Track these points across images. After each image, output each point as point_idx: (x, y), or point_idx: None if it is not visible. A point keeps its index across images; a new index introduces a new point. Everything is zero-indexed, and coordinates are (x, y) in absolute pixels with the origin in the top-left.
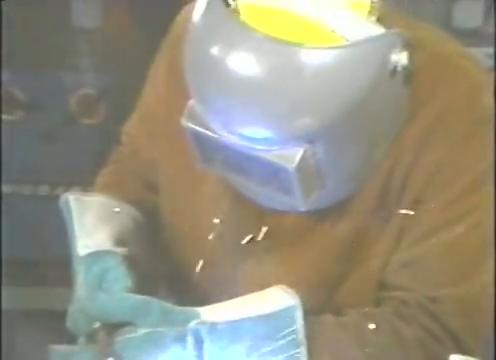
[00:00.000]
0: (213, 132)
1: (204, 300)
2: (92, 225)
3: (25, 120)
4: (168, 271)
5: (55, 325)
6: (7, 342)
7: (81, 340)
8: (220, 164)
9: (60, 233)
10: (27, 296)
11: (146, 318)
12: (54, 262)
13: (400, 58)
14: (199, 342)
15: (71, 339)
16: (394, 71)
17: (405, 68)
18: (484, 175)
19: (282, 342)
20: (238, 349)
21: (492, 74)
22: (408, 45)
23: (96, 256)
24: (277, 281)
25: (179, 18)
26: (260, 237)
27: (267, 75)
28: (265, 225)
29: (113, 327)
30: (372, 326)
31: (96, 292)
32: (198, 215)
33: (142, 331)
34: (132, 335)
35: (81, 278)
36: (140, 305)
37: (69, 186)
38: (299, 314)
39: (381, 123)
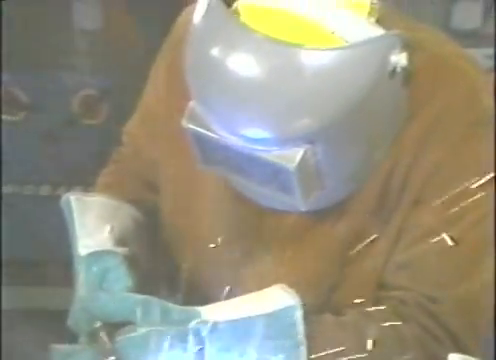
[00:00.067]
0: (214, 133)
1: (204, 300)
2: (93, 225)
3: (26, 121)
4: (168, 271)
5: (55, 325)
6: (7, 342)
7: (82, 339)
8: (220, 164)
9: (61, 233)
10: (27, 296)
11: (147, 317)
12: (54, 262)
13: (399, 59)
14: (200, 341)
15: (71, 339)
16: (393, 72)
17: (404, 69)
18: (484, 175)
19: (282, 341)
20: (238, 348)
21: (492, 75)
22: (407, 46)
23: (97, 256)
24: (277, 281)
25: (180, 19)
26: (260, 237)
27: (267, 76)
28: (265, 225)
29: (114, 326)
30: (372, 326)
31: (97, 292)
32: (198, 215)
33: (143, 330)
34: (133, 334)
35: (82, 278)
36: (141, 304)
37: (70, 186)
38: (299, 314)
39: (380, 124)
